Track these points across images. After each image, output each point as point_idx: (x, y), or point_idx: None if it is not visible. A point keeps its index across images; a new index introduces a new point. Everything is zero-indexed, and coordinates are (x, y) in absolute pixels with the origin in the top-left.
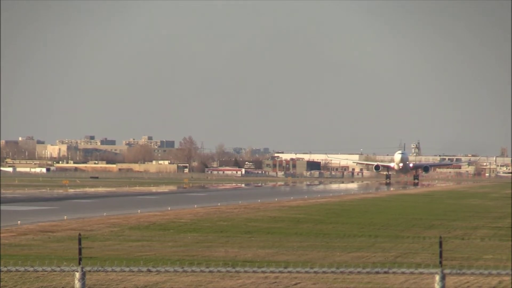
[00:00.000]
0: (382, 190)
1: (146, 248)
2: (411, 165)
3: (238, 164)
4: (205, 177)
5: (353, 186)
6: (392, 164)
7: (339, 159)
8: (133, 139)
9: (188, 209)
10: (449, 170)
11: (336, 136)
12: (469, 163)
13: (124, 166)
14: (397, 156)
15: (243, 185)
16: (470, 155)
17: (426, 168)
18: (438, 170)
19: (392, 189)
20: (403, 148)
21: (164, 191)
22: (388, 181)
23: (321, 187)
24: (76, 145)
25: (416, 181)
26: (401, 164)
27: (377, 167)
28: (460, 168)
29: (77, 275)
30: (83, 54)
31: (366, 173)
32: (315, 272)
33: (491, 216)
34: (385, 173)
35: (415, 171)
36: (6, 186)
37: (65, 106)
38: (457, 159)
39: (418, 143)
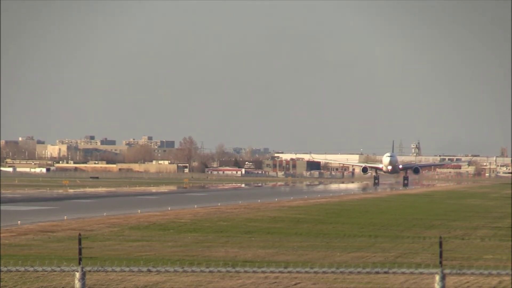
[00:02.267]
0: (369, 191)
1: (146, 248)
2: (400, 166)
3: (238, 164)
4: (205, 177)
5: (352, 186)
6: (380, 165)
7: (325, 160)
8: (133, 139)
9: (188, 209)
10: (449, 170)
11: (336, 136)
12: (469, 163)
13: (124, 166)
14: (386, 159)
15: (243, 185)
16: (470, 155)
17: (416, 170)
18: (438, 170)
19: (379, 190)
20: (391, 149)
21: (164, 191)
22: (376, 182)
23: (321, 187)
24: (76, 145)
25: (405, 181)
26: (389, 167)
27: (364, 169)
28: (460, 168)
29: (77, 275)
30: (83, 54)
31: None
32: (315, 272)
33: (491, 216)
34: (373, 174)
35: (405, 172)
36: (6, 186)
37: (65, 106)
38: (457, 159)
39: (418, 143)
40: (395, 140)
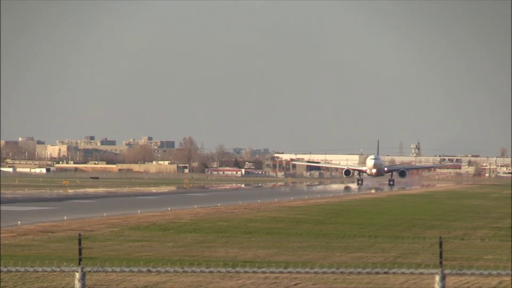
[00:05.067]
0: (353, 192)
1: (146, 249)
2: (385, 168)
3: (238, 164)
4: (205, 178)
5: (352, 186)
6: (364, 168)
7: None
8: (133, 139)
9: (188, 209)
10: (449, 170)
11: (336, 136)
12: (469, 164)
13: (124, 166)
14: (369, 162)
15: (243, 185)
16: (470, 155)
17: (402, 173)
18: (438, 170)
19: (362, 192)
20: (376, 150)
21: (164, 191)
22: (360, 183)
23: (321, 187)
24: (76, 146)
25: (391, 182)
26: (373, 170)
27: (347, 172)
28: (459, 168)
29: (77, 275)
30: (83, 54)
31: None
32: (315, 272)
33: (491, 216)
34: (357, 177)
35: (391, 175)
36: (6, 186)
37: (65, 106)
38: (457, 159)
39: (418, 143)
40: (395, 140)
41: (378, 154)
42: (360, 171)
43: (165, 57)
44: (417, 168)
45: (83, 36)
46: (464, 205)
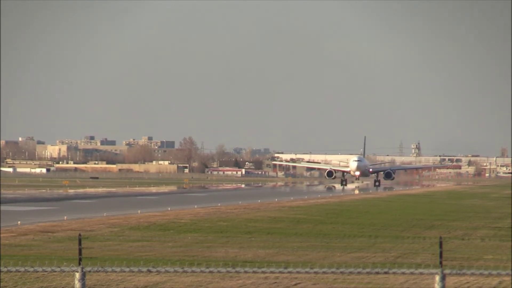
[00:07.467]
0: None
1: (146, 249)
2: (370, 169)
3: (238, 164)
4: (205, 178)
5: (352, 186)
6: (348, 169)
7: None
8: (133, 139)
9: (188, 209)
10: (449, 170)
11: (336, 136)
12: (469, 164)
13: (124, 166)
14: (353, 164)
15: (243, 185)
16: (470, 155)
17: (388, 174)
18: (438, 170)
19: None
20: (363, 150)
21: (164, 191)
22: (344, 184)
23: (321, 187)
24: (76, 146)
25: (377, 183)
26: (357, 172)
27: (329, 173)
28: (459, 168)
29: (77, 275)
30: (83, 54)
31: None
32: (315, 272)
33: (491, 216)
34: (341, 178)
35: (376, 176)
36: (6, 186)
37: (65, 106)
38: (457, 159)
39: (418, 143)
40: (395, 140)
41: (364, 152)
42: (344, 172)
43: (165, 57)
44: (405, 169)
45: (83, 36)
46: (464, 205)
